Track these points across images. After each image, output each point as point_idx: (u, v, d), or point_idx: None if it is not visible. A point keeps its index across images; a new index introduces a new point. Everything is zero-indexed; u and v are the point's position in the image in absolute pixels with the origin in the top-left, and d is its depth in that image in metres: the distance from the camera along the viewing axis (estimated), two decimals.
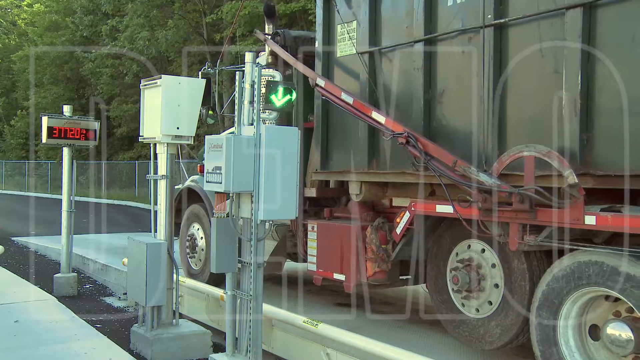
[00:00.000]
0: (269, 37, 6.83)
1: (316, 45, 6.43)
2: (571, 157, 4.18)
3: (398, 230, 5.52)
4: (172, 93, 6.02)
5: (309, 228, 6.44)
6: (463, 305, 5.24)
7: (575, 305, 4.22)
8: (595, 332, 4.18)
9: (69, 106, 9.22)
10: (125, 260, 7.85)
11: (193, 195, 8.24)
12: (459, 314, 5.28)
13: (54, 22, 34.93)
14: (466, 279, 5.09)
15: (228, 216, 5.16)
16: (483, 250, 5.08)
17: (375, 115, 5.29)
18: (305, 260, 6.59)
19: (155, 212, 6.36)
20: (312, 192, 6.67)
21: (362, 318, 6.52)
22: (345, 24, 6.02)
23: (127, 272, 7.03)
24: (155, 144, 6.30)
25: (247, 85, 5.05)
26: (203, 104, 6.63)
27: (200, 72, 7.47)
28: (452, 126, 5.14)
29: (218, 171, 4.95)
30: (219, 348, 6.16)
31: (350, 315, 6.71)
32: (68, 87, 34.82)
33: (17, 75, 38.74)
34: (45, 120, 8.69)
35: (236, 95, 5.14)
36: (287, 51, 6.50)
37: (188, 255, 8.31)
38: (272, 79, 5.11)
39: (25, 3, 42.77)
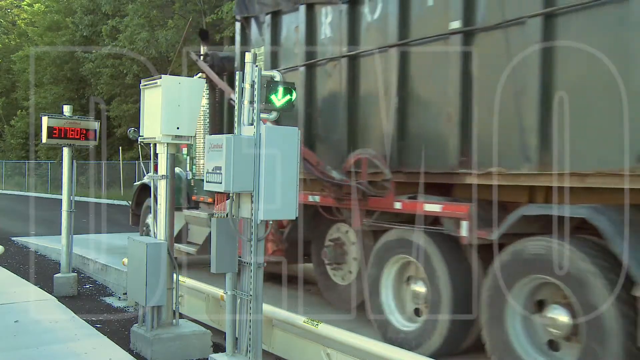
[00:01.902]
0: (201, 57, 7.91)
1: (236, 64, 7.71)
2: (391, 159, 5.62)
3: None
4: (172, 93, 6.02)
5: None
6: (334, 275, 6.65)
7: (393, 267, 5.68)
8: (407, 282, 5.69)
9: (69, 106, 9.22)
10: (125, 260, 7.85)
11: (148, 190, 8.70)
12: (331, 282, 6.72)
13: (55, 22, 34.91)
14: (334, 253, 6.46)
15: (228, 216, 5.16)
16: (347, 231, 6.42)
17: None
18: None
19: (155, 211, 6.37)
20: None
21: (363, 318, 6.52)
22: (256, 48, 7.30)
23: (127, 272, 7.04)
24: (155, 144, 6.31)
25: (246, 85, 5.06)
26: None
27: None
28: (325, 134, 6.55)
29: (218, 171, 4.94)
30: (219, 348, 6.16)
31: (350, 315, 6.71)
32: (68, 87, 34.79)
33: (17, 76, 38.72)
34: (45, 120, 8.69)
35: (236, 95, 5.15)
36: (214, 70, 7.63)
37: None
38: (272, 79, 5.10)
39: (25, 3, 42.74)
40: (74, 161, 9.02)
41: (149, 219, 9.12)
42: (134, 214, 10.08)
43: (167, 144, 6.14)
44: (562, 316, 4.27)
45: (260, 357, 5.09)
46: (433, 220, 5.26)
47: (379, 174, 5.67)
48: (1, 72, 42.81)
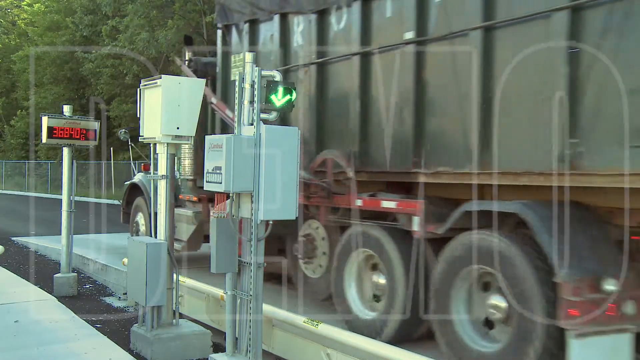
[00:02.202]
0: (185, 62, 8.43)
1: (217, 70, 8.11)
2: (355, 159, 5.98)
3: None
4: (172, 93, 6.01)
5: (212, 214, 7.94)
6: (306, 268, 6.88)
7: (356, 260, 5.98)
8: (368, 274, 6.00)
9: (69, 106, 9.21)
10: (125, 260, 7.85)
11: (138, 190, 9.82)
12: (303, 275, 6.95)
13: (55, 22, 34.89)
14: (305, 248, 6.75)
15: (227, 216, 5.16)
16: (317, 227, 6.66)
17: None
18: None
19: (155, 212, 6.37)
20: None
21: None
22: (235, 55, 7.79)
23: (127, 272, 7.04)
24: (155, 144, 6.31)
25: (247, 85, 5.06)
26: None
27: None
28: (309, 139, 6.79)
29: (218, 171, 4.95)
30: (219, 348, 6.17)
31: (350, 315, 6.70)
32: (68, 87, 34.76)
33: (17, 75, 38.69)
34: (45, 120, 8.69)
35: (237, 96, 5.15)
36: (197, 75, 8.01)
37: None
38: (272, 79, 5.10)
39: (25, 3, 42.71)
40: (74, 161, 9.02)
41: (139, 217, 9.74)
42: (125, 212, 10.49)
43: (167, 144, 6.14)
44: (498, 301, 4.70)
45: (260, 357, 5.09)
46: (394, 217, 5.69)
47: (342, 174, 6.10)
48: (1, 72, 42.78)
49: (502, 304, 4.65)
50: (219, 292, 6.56)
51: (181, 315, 6.56)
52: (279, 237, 7.31)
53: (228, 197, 5.18)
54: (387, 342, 5.19)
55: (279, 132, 5.05)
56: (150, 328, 6.08)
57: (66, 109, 9.10)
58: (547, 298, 4.26)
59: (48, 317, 6.77)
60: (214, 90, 8.07)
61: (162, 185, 6.26)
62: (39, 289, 8.25)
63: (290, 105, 5.18)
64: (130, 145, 10.34)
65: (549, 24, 4.36)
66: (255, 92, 5.00)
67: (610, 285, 4.18)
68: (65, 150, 9.01)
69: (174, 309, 6.29)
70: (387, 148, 5.72)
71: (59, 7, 35.47)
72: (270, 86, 5.04)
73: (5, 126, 39.63)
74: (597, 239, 4.47)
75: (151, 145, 6.45)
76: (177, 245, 8.80)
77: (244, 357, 5.14)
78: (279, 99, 5.08)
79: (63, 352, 5.62)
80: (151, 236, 6.52)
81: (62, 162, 9.41)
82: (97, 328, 6.66)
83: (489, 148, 4.76)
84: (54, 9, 36.02)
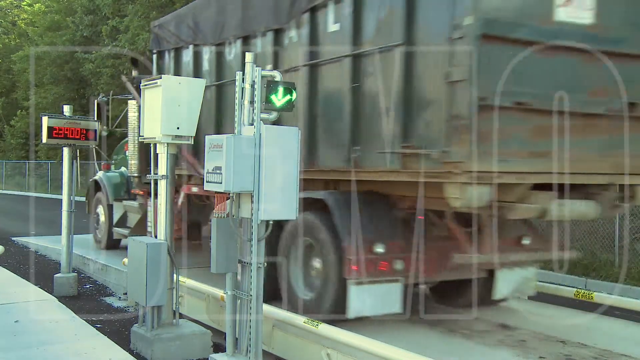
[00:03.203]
0: (129, 80, 9.44)
1: None
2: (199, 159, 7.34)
3: (179, 203, 9.02)
4: (172, 93, 6.01)
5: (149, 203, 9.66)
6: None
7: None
8: (304, 257, 6.68)
9: (69, 106, 9.22)
10: (126, 260, 7.85)
11: (99, 186, 11.84)
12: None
13: (55, 22, 34.87)
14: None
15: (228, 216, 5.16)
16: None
17: None
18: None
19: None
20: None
21: (363, 318, 6.52)
22: (166, 75, 8.90)
23: (127, 272, 7.04)
24: (155, 144, 6.31)
25: (247, 86, 5.06)
26: (101, 123, 10.40)
27: (96, 101, 11.29)
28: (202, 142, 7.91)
29: (218, 171, 4.95)
30: (219, 348, 6.16)
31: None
32: (68, 87, 34.73)
33: (17, 76, 38.69)
34: (45, 120, 8.68)
35: (237, 97, 5.15)
36: (137, 91, 8.78)
37: (95, 228, 12.13)
38: (272, 79, 5.10)
39: (25, 3, 42.71)
40: (74, 161, 9.01)
41: (99, 209, 11.86)
42: (89, 205, 12.46)
43: (167, 143, 6.14)
44: (316, 262, 6.29)
45: (260, 357, 5.09)
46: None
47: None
48: (1, 72, 42.78)
49: (318, 264, 6.23)
50: (219, 292, 6.56)
51: (181, 316, 6.56)
52: (198, 223, 9.80)
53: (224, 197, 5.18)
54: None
55: (279, 132, 5.05)
56: (150, 328, 6.08)
57: (66, 109, 9.10)
58: (339, 258, 5.85)
59: (48, 317, 6.77)
60: None
61: (162, 185, 6.25)
62: (39, 289, 8.25)
63: (290, 105, 5.17)
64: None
65: (342, 66, 6.00)
66: (256, 92, 5.00)
67: (379, 249, 5.72)
68: (66, 150, 9.01)
69: (174, 309, 6.29)
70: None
71: (59, 7, 35.46)
72: (270, 86, 5.03)
73: (5, 126, 39.62)
74: (379, 217, 5.95)
75: (151, 145, 6.45)
76: (125, 232, 10.65)
77: (244, 357, 5.14)
78: (279, 99, 5.07)
79: (63, 352, 5.62)
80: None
81: (62, 162, 9.41)
82: (97, 328, 6.66)
83: (314, 151, 6.46)
84: (54, 9, 36.01)
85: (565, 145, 5.20)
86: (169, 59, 9.53)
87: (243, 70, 5.15)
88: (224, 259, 5.18)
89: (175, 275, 6.24)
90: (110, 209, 11.45)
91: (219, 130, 7.92)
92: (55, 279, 9.02)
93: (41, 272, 10.28)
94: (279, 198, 4.96)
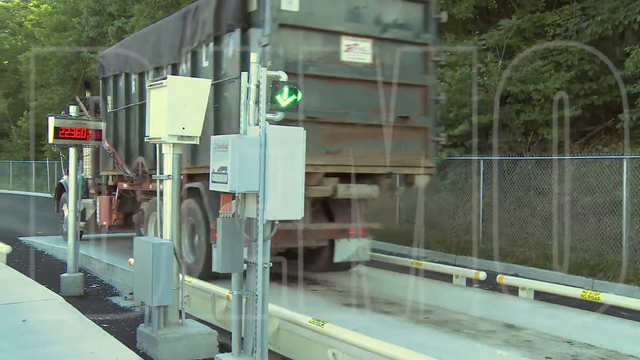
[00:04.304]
0: (81, 100, 11.07)
1: (100, 106, 12.33)
2: (146, 162, 10.15)
3: (115, 197, 11.72)
4: (178, 93, 6.02)
5: (97, 199, 12.42)
6: (144, 232, 10.18)
7: (154, 218, 8.93)
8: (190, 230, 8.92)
9: (75, 106, 9.25)
10: (131, 260, 7.87)
11: (63, 188, 13.17)
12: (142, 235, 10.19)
13: (61, 23, 34.95)
14: (140, 219, 10.50)
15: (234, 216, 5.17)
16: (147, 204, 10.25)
17: (107, 143, 10.98)
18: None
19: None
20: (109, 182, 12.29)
21: (368, 318, 6.52)
22: (109, 96, 11.90)
23: (133, 272, 7.05)
24: (161, 144, 6.32)
25: (252, 86, 5.06)
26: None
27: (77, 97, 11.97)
28: (133, 147, 10.83)
29: (224, 171, 4.95)
30: (224, 348, 6.17)
31: (355, 315, 6.71)
32: (74, 87, 34.85)
33: (24, 76, 38.81)
34: (51, 121, 8.71)
35: (242, 97, 5.16)
36: (88, 110, 11.22)
37: (62, 223, 13.55)
38: (277, 79, 5.10)
39: (32, 4, 42.83)
40: (80, 161, 9.04)
41: (64, 208, 12.96)
42: (57, 205, 14.11)
43: (173, 144, 6.15)
44: (198, 235, 8.52)
45: (266, 357, 5.10)
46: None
47: (143, 170, 10.09)
48: (8, 72, 42.93)
49: (197, 235, 8.46)
50: (224, 292, 6.57)
51: (187, 315, 6.57)
52: (130, 213, 11.56)
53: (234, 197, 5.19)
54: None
55: (284, 132, 5.05)
56: (156, 328, 6.10)
57: (72, 110, 9.13)
58: (207, 231, 8.07)
59: (55, 316, 6.79)
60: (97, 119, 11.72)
61: (168, 186, 6.26)
62: (46, 288, 8.27)
63: (295, 105, 5.18)
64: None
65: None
66: (261, 93, 5.00)
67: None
68: (72, 151, 9.03)
69: (179, 308, 6.31)
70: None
71: (65, 8, 35.55)
72: (275, 86, 5.04)
73: (12, 127, 39.75)
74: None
75: (157, 145, 6.46)
76: (81, 224, 11.83)
77: (249, 357, 5.15)
78: (284, 99, 5.08)
79: (70, 352, 5.64)
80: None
81: (68, 162, 9.45)
82: (103, 328, 6.67)
83: (195, 156, 8.51)
84: (60, 9, 36.11)
85: (355, 147, 7.63)
86: (110, 83, 11.80)
87: (244, 71, 5.16)
88: (230, 259, 5.18)
89: (181, 275, 6.25)
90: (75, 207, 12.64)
91: (140, 140, 10.14)
92: (61, 278, 9.06)
93: (47, 272, 10.32)
94: (284, 198, 4.96)
